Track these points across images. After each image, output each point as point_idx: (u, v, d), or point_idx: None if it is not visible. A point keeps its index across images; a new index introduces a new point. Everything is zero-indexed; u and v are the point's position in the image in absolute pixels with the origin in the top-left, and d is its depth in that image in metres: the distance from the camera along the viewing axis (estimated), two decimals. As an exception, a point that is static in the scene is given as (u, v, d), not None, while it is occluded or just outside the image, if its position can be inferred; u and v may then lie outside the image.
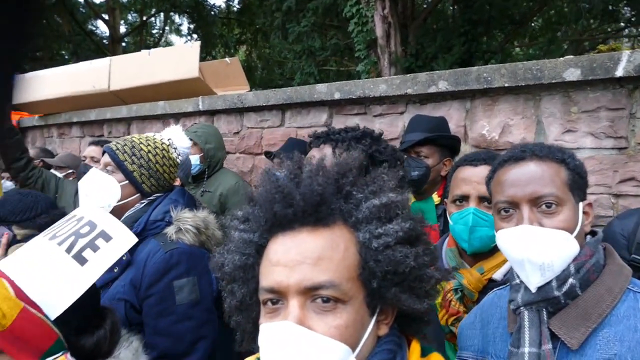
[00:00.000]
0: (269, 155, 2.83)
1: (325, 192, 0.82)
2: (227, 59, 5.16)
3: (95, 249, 1.21)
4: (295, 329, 0.75)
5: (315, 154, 1.48)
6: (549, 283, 1.09)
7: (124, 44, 17.94)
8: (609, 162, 2.14)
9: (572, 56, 2.20)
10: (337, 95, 2.96)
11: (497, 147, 2.43)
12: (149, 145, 1.82)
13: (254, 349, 0.93)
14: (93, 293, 1.23)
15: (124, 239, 1.29)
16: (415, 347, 0.87)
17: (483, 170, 1.64)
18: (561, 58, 2.22)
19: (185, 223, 1.71)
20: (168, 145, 1.87)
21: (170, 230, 1.69)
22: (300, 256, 0.79)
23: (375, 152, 1.46)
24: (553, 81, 2.18)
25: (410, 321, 0.89)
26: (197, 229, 1.73)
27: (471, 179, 1.66)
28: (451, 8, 9.17)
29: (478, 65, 6.96)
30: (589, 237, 1.17)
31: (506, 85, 2.32)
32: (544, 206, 1.10)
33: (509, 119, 2.40)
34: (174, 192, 1.84)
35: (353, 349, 0.77)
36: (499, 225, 1.19)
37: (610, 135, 2.14)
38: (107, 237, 1.26)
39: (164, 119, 4.24)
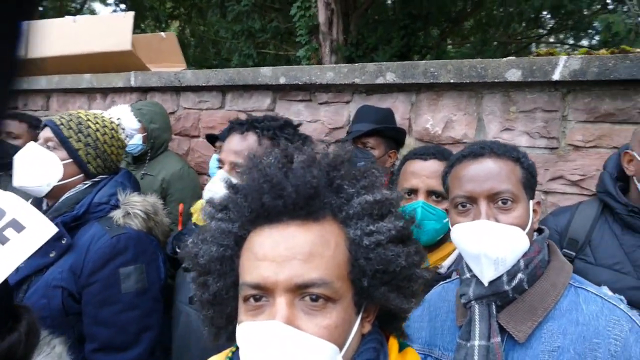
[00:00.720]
0: (211, 138, 2.69)
1: (319, 184, 0.77)
2: (162, 33, 4.85)
3: (3, 241, 1.05)
4: (285, 330, 0.70)
5: (236, 141, 1.43)
6: (499, 277, 1.12)
7: (40, 8, 16.36)
8: (541, 161, 2.26)
9: (514, 57, 2.28)
10: (282, 80, 2.87)
11: (439, 141, 2.48)
12: (97, 123, 1.69)
13: (222, 346, 0.87)
14: (3, 292, 1.07)
15: (40, 230, 1.13)
16: (393, 344, 0.85)
17: (432, 164, 1.67)
18: (504, 59, 2.29)
19: (134, 207, 1.61)
20: (117, 125, 1.75)
21: (117, 214, 1.59)
22: (289, 251, 0.74)
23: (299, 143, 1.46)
24: (496, 80, 2.26)
25: (391, 319, 0.87)
26: (147, 214, 1.64)
27: (420, 172, 1.68)
28: (391, 1, 9.31)
29: (415, 59, 7.14)
30: (535, 234, 1.21)
31: (452, 81, 2.36)
32: (500, 202, 1.13)
33: (452, 114, 2.46)
34: (120, 175, 1.73)
35: (340, 348, 0.74)
36: (455, 219, 1.20)
37: (543, 135, 2.25)
38: (18, 227, 1.10)
39: (90, 93, 3.90)
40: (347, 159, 0.83)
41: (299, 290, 0.72)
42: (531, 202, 1.17)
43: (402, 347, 0.87)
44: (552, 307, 1.09)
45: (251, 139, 1.42)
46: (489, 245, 1.10)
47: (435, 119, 2.49)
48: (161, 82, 3.40)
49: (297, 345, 0.69)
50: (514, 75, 2.22)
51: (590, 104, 2.15)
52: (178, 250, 2.20)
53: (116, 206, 1.62)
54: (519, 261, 1.12)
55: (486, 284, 1.13)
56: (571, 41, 10.95)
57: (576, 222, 1.75)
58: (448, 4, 8.40)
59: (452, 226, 1.21)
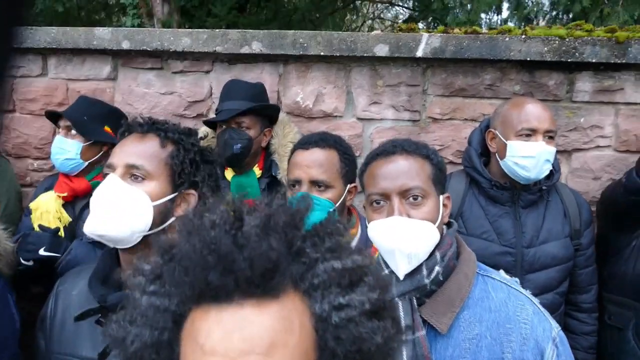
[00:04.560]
0: (53, 116, 2.15)
1: (279, 256, 0.61)
2: None
3: None
4: None
5: (134, 142, 1.17)
6: (419, 272, 1.15)
7: None
8: (406, 133, 2.39)
9: (381, 32, 2.31)
10: (125, 45, 2.42)
11: (310, 115, 2.43)
12: None
13: None
14: None
15: None
16: None
17: (313, 154, 1.65)
18: (372, 33, 2.31)
19: None
20: None
21: None
22: (246, 344, 0.57)
23: (205, 151, 1.27)
24: (365, 54, 2.27)
25: None
26: None
27: (302, 163, 1.66)
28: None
29: (252, 11, 6.85)
30: (445, 227, 1.27)
31: (322, 53, 2.30)
32: (411, 198, 1.16)
33: (322, 87, 2.41)
34: None
35: None
36: (370, 216, 1.21)
37: (407, 108, 2.38)
38: None
39: None
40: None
41: None
42: (441, 196, 1.22)
43: None
44: (466, 296, 1.16)
45: (152, 141, 1.16)
46: (402, 240, 1.13)
47: (305, 92, 2.42)
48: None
49: None
50: (381, 50, 2.26)
51: (447, 80, 2.33)
52: (24, 261, 1.78)
53: None
54: (435, 254, 1.16)
55: (401, 278, 1.16)
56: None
57: None
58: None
59: (368, 223, 1.23)
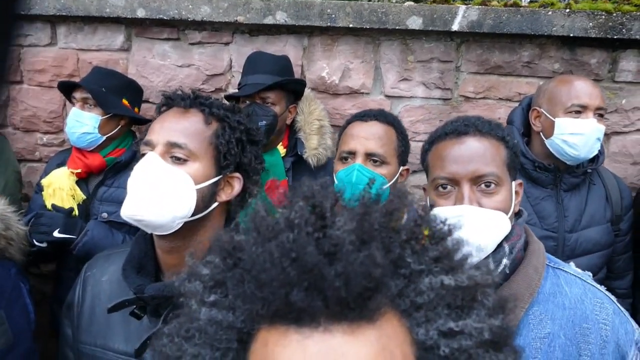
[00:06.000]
0: (65, 87, 2.02)
1: (383, 274, 0.49)
2: None
3: None
4: None
5: (175, 117, 1.05)
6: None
7: None
8: (436, 112, 2.28)
9: (414, 3, 2.17)
10: (140, 13, 2.28)
11: (336, 91, 2.30)
12: None
13: None
14: None
15: None
16: None
17: (372, 126, 1.59)
18: (405, 4, 2.16)
19: None
20: None
21: None
22: None
23: (253, 130, 1.14)
24: (397, 27, 2.13)
25: None
26: None
27: (360, 134, 1.59)
28: None
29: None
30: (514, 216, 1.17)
31: (350, 25, 2.16)
32: (483, 185, 1.05)
33: (349, 62, 2.28)
34: None
35: None
36: (435, 201, 1.11)
37: (439, 86, 2.25)
38: None
39: None
40: (404, 210, 0.55)
41: None
42: (514, 183, 1.11)
43: None
44: (536, 291, 1.07)
45: (196, 117, 1.05)
46: (471, 232, 1.01)
47: (331, 67, 2.29)
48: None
49: None
50: (415, 22, 2.12)
51: (482, 56, 2.20)
52: (38, 243, 1.69)
53: None
54: (503, 246, 1.07)
55: None
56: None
57: None
58: None
59: (431, 207, 1.12)
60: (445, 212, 1.06)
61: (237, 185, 1.07)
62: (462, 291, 0.53)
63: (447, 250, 0.55)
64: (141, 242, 1.06)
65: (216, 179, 1.03)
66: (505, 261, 1.06)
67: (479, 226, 1.02)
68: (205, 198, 1.02)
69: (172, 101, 1.06)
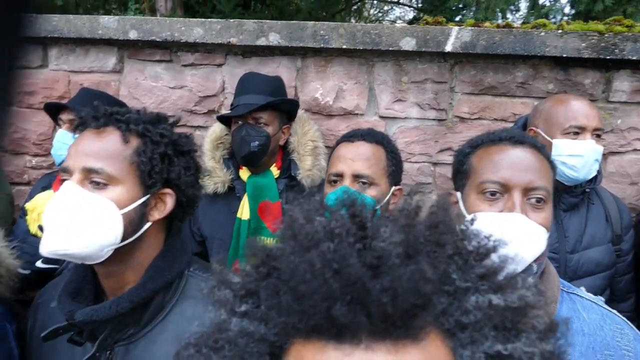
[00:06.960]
0: (52, 109, 1.99)
1: (432, 291, 0.46)
2: None
3: None
4: None
5: (89, 140, 0.97)
6: None
7: None
8: (431, 133, 2.25)
9: (407, 25, 2.17)
10: (132, 35, 2.27)
11: (330, 112, 2.28)
12: None
13: None
14: None
15: None
16: None
17: (359, 147, 1.53)
18: (398, 25, 2.16)
19: None
20: None
21: None
22: None
23: (179, 140, 1.07)
24: (390, 48, 2.12)
25: None
26: None
27: (346, 156, 1.53)
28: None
29: (257, 9, 6.70)
30: None
31: (344, 46, 2.15)
32: (533, 200, 1.00)
33: (343, 83, 2.27)
34: None
35: None
36: (476, 205, 1.03)
37: (433, 107, 2.24)
38: None
39: None
40: (452, 223, 0.52)
41: None
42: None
43: None
44: (554, 315, 1.02)
45: (112, 136, 0.97)
46: (516, 241, 0.96)
47: (325, 88, 2.28)
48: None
49: None
50: (408, 44, 2.12)
51: (476, 77, 2.19)
52: (22, 271, 1.62)
53: None
54: (532, 266, 1.02)
55: None
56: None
57: None
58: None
59: (469, 212, 1.04)
60: (492, 218, 0.99)
61: (169, 201, 1.00)
62: (512, 312, 0.50)
63: (493, 268, 0.52)
64: (79, 267, 0.99)
65: (143, 199, 0.96)
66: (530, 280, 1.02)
67: (524, 238, 0.96)
68: (134, 221, 0.95)
69: (85, 121, 0.98)
